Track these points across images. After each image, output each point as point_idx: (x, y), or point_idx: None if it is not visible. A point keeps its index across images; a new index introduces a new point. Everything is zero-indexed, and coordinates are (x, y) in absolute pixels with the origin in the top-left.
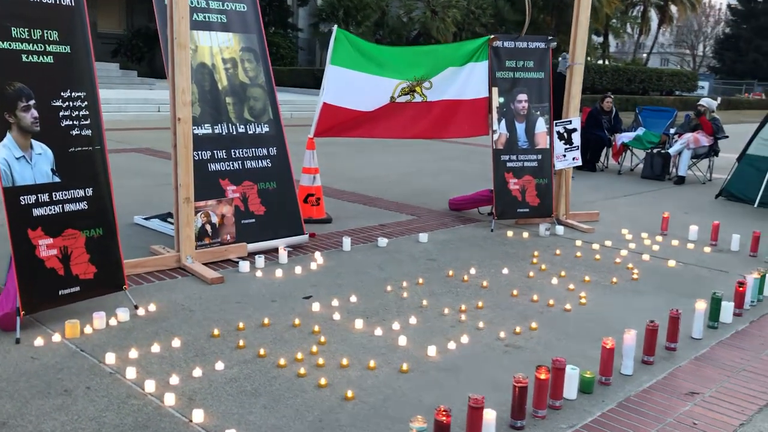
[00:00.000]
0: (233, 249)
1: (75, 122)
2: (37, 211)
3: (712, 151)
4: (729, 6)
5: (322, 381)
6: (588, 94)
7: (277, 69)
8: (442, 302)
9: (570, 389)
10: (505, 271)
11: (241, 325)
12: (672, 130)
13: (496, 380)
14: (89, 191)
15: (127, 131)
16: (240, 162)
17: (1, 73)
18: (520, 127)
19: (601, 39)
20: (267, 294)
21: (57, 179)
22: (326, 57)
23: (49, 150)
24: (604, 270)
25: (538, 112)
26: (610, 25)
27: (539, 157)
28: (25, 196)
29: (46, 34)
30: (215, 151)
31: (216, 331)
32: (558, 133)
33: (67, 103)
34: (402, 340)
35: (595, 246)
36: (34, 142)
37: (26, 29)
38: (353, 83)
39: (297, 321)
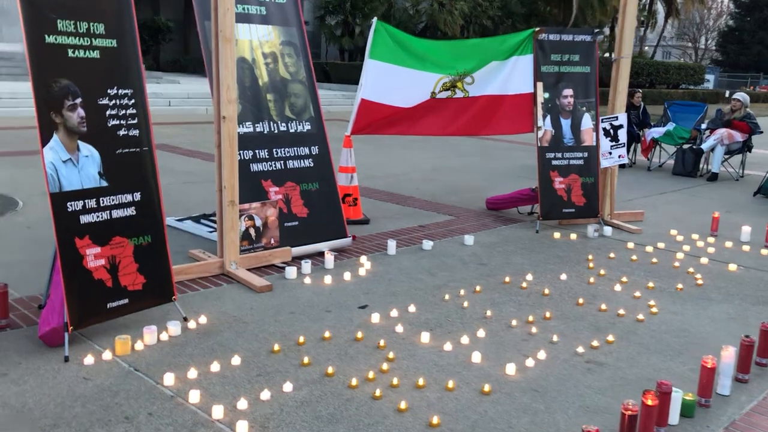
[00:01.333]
0: (277, 254)
1: (122, 122)
2: (84, 218)
3: (745, 146)
4: None
5: (402, 405)
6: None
7: None
8: (505, 312)
9: (672, 413)
10: (564, 277)
11: (301, 339)
12: (703, 125)
13: (586, 402)
14: (137, 196)
15: None
16: (282, 162)
17: (48, 70)
18: (566, 124)
19: (607, 32)
20: (320, 303)
21: (104, 183)
22: (365, 51)
23: (95, 152)
24: (665, 275)
25: (584, 108)
26: (616, 18)
27: (585, 154)
28: (73, 202)
29: (92, 27)
30: (257, 151)
31: (276, 347)
32: (604, 129)
33: (113, 102)
34: (475, 357)
35: (649, 248)
36: (81, 144)
37: (72, 22)
38: (393, 78)
39: (359, 334)
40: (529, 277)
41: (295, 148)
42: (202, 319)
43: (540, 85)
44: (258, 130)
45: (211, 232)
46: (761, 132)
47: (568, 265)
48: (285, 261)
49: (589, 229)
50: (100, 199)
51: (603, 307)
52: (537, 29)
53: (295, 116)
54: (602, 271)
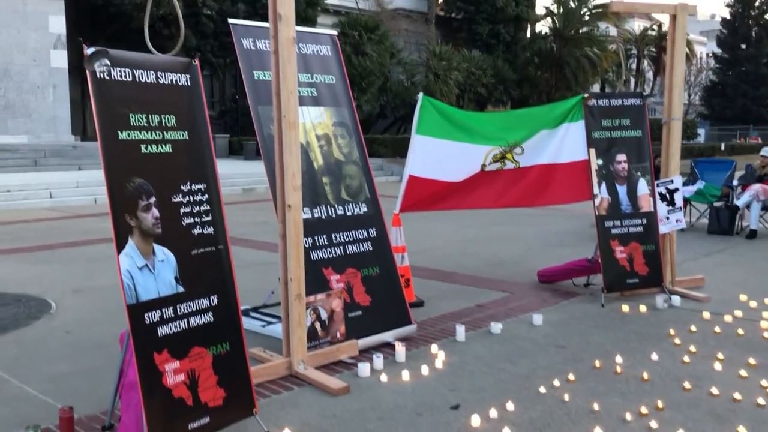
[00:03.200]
0: (344, 348)
1: (196, 219)
2: (162, 330)
3: None
4: (714, 54)
5: None
6: None
7: None
8: (612, 404)
9: None
10: (655, 356)
11: None
12: (735, 182)
13: None
14: (214, 300)
15: None
16: (341, 247)
17: (122, 168)
18: (622, 190)
19: (598, 92)
20: (406, 405)
21: (181, 288)
22: (412, 127)
23: (171, 255)
24: (760, 348)
25: (639, 173)
26: (606, 78)
27: (644, 221)
28: (150, 313)
29: (164, 120)
30: (316, 238)
31: None
32: (660, 194)
33: (187, 198)
34: None
35: (728, 318)
36: (156, 247)
37: (144, 115)
38: (441, 152)
39: None
40: (619, 359)
41: (354, 232)
42: None
43: (593, 151)
44: (316, 215)
45: (264, 326)
46: None
47: (652, 342)
48: (352, 356)
49: (658, 300)
50: (177, 306)
51: (714, 391)
52: (586, 96)
53: (352, 198)
54: (692, 348)
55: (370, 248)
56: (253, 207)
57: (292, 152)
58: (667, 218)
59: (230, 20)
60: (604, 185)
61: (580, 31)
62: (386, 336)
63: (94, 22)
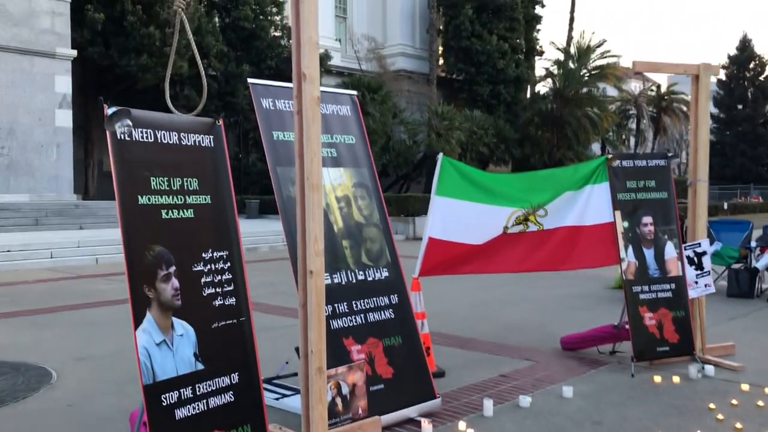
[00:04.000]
0: (367, 426)
1: (218, 289)
2: (180, 413)
3: None
4: (711, 115)
5: None
6: None
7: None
8: None
9: None
10: None
11: None
12: (753, 243)
13: None
14: (235, 377)
15: None
16: (362, 315)
17: (142, 235)
18: (649, 254)
19: (599, 152)
20: None
21: (200, 366)
22: (431, 189)
23: (190, 328)
24: None
25: (666, 236)
26: (607, 138)
27: (673, 286)
28: (167, 394)
29: (186, 183)
30: (336, 305)
31: None
32: (688, 257)
33: (208, 267)
34: None
35: None
36: (175, 321)
37: (165, 178)
38: (462, 214)
39: None
40: None
41: (375, 299)
42: None
43: (618, 213)
44: (336, 281)
45: (278, 399)
46: None
47: (693, 417)
48: None
49: (691, 370)
50: (197, 386)
51: None
52: (610, 156)
53: (372, 263)
54: (738, 425)
55: (392, 316)
56: (257, 267)
57: (315, 216)
58: (696, 282)
59: (250, 80)
60: (630, 249)
61: (581, 91)
62: (410, 412)
63: (99, 83)
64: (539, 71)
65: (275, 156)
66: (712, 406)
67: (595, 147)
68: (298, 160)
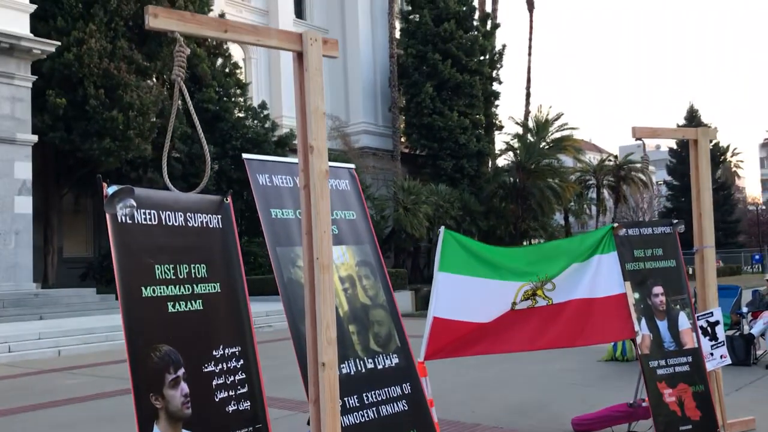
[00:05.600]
0: None
1: (231, 392)
2: None
3: None
4: (665, 182)
5: None
6: None
7: (256, 279)
8: None
9: None
10: None
11: None
12: (744, 309)
13: None
14: None
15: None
16: (374, 409)
17: (147, 333)
18: (663, 325)
19: (563, 222)
20: None
21: None
22: (434, 263)
23: None
24: None
25: (678, 306)
26: (569, 208)
27: (690, 359)
28: None
29: (193, 270)
30: (346, 399)
31: None
32: (701, 328)
33: (220, 366)
34: None
35: None
36: None
37: (171, 266)
38: (468, 291)
39: None
40: None
41: (386, 389)
42: None
43: (628, 284)
44: (344, 371)
45: None
46: None
47: None
48: None
49: None
50: None
51: None
52: (615, 225)
53: (381, 349)
54: None
55: (406, 407)
56: None
57: (326, 300)
58: (711, 354)
59: (245, 155)
60: (644, 321)
61: (541, 163)
62: None
63: (60, 167)
64: (500, 145)
65: (274, 236)
66: None
67: (558, 217)
68: (306, 237)
